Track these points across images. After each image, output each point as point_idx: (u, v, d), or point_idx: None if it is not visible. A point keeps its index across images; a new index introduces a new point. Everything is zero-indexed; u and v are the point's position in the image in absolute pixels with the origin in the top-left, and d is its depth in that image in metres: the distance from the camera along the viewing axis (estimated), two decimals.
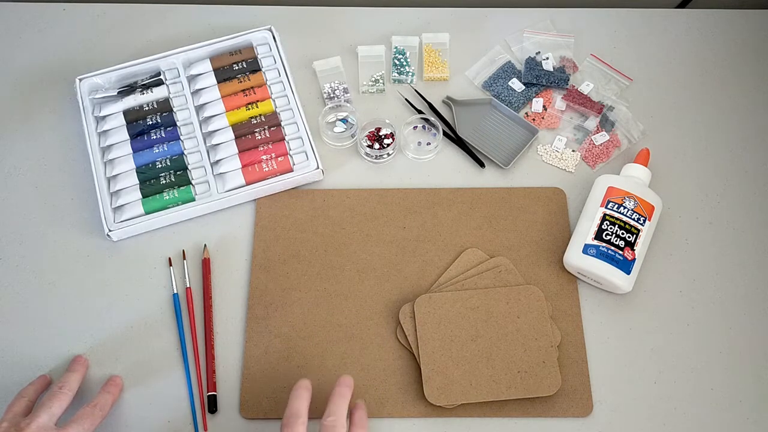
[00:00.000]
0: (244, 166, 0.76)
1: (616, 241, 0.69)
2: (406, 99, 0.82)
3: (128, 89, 0.80)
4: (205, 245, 0.74)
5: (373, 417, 0.66)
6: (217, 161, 0.77)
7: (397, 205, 0.76)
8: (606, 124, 0.81)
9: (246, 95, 0.80)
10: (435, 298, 0.69)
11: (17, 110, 0.82)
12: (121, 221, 0.74)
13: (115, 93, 0.80)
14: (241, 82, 0.80)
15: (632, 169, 0.74)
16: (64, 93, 0.82)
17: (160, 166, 0.76)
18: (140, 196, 0.75)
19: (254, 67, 0.82)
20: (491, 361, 0.66)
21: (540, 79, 0.82)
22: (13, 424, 0.59)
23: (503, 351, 0.66)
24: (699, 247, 0.75)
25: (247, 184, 0.75)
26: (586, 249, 0.69)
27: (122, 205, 0.74)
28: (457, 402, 0.65)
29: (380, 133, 0.78)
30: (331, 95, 0.81)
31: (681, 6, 0.93)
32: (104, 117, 0.79)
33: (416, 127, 0.81)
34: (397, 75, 0.83)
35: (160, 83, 0.81)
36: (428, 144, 0.79)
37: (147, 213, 0.74)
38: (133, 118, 0.79)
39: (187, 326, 0.70)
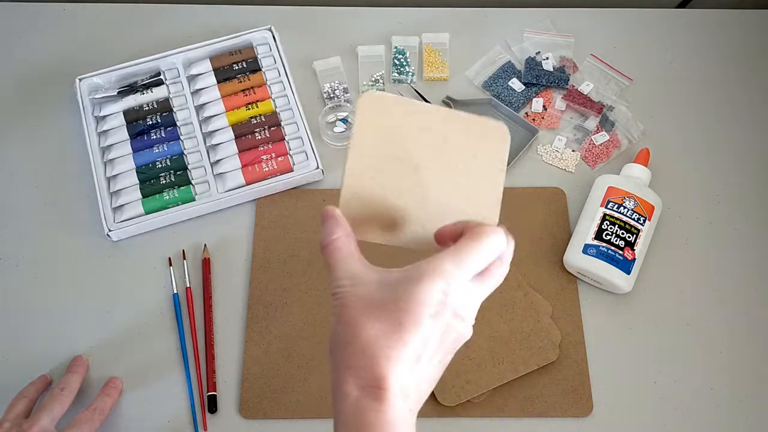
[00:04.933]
0: (244, 166, 0.76)
1: (616, 241, 0.69)
2: None
3: (128, 89, 0.80)
4: (205, 245, 0.74)
5: None
6: (217, 161, 0.77)
7: None
8: (606, 124, 0.81)
9: (246, 95, 0.80)
10: (387, 100, 0.51)
11: (17, 110, 0.82)
12: (121, 221, 0.74)
13: (115, 93, 0.80)
14: (241, 82, 0.80)
15: (632, 169, 0.74)
16: (64, 93, 0.82)
17: (160, 166, 0.76)
18: (140, 196, 0.74)
19: (254, 67, 0.82)
20: (425, 201, 0.51)
21: (540, 79, 0.82)
22: (15, 425, 0.59)
23: (442, 194, 0.51)
24: (699, 247, 0.75)
25: (247, 184, 0.75)
26: (586, 249, 0.69)
27: (122, 205, 0.74)
28: (460, 399, 0.64)
29: None
30: (331, 95, 0.81)
31: (681, 6, 0.93)
32: (104, 117, 0.79)
33: None
34: (397, 75, 0.83)
35: (160, 83, 0.81)
36: None
37: (147, 213, 0.74)
38: (133, 118, 0.79)
39: (187, 326, 0.70)
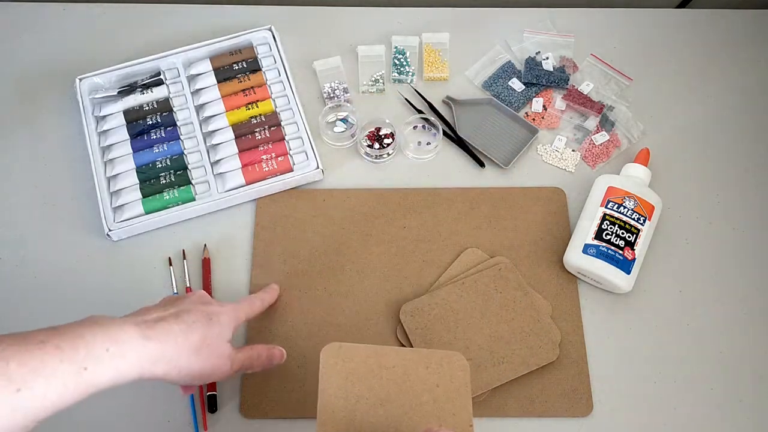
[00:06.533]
0: (244, 166, 0.76)
1: (616, 240, 0.69)
2: (406, 99, 0.82)
3: (128, 89, 0.80)
4: (205, 245, 0.74)
5: None
6: (217, 161, 0.77)
7: (397, 205, 0.76)
8: (606, 123, 0.81)
9: (246, 95, 0.80)
10: (345, 348, 0.58)
11: (17, 110, 0.82)
12: (121, 221, 0.74)
13: (115, 93, 0.80)
14: (241, 81, 0.80)
15: (632, 168, 0.74)
16: (64, 93, 0.82)
17: (160, 165, 0.76)
18: (140, 196, 0.75)
19: (254, 66, 0.82)
20: None
21: (540, 79, 0.82)
22: (205, 302, 0.60)
23: (414, 424, 0.55)
24: (699, 247, 0.75)
25: (247, 183, 0.75)
26: (586, 249, 0.69)
27: (122, 205, 0.74)
28: None
29: (380, 133, 0.78)
30: (331, 95, 0.81)
31: (681, 6, 0.93)
32: (104, 117, 0.79)
33: (416, 126, 0.81)
34: (397, 75, 0.83)
35: (160, 83, 0.81)
36: (428, 144, 0.79)
37: (147, 213, 0.74)
38: (133, 117, 0.79)
39: None
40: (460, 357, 0.58)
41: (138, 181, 0.75)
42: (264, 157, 0.76)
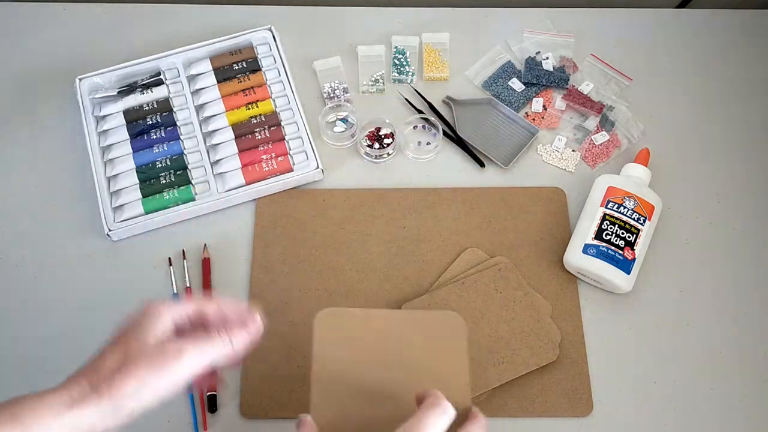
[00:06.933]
0: (244, 166, 0.76)
1: (616, 240, 0.69)
2: (406, 99, 0.82)
3: (128, 89, 0.80)
4: (205, 245, 0.74)
5: None
6: (217, 161, 0.77)
7: (397, 205, 0.76)
8: (606, 123, 0.81)
9: (246, 95, 0.80)
10: (338, 314, 0.57)
11: (17, 110, 0.82)
12: (121, 221, 0.74)
13: (115, 93, 0.80)
14: (241, 81, 0.80)
15: (632, 168, 0.74)
16: (64, 93, 0.82)
17: (160, 165, 0.76)
18: (140, 196, 0.75)
19: (254, 66, 0.82)
20: (391, 398, 0.53)
21: (540, 78, 0.82)
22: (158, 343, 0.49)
23: (410, 386, 0.52)
24: (699, 247, 0.75)
25: (247, 183, 0.75)
26: (586, 249, 0.69)
27: (122, 205, 0.74)
28: None
29: (380, 133, 0.78)
30: (331, 95, 0.81)
31: (681, 6, 0.93)
32: (104, 117, 0.79)
33: (416, 126, 0.81)
34: (397, 75, 0.83)
35: (160, 83, 0.81)
36: (428, 144, 0.79)
37: (147, 213, 0.74)
38: (133, 117, 0.79)
39: None
40: (456, 316, 0.56)
41: (138, 181, 0.75)
42: (264, 157, 0.76)
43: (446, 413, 0.46)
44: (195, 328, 0.52)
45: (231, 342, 0.51)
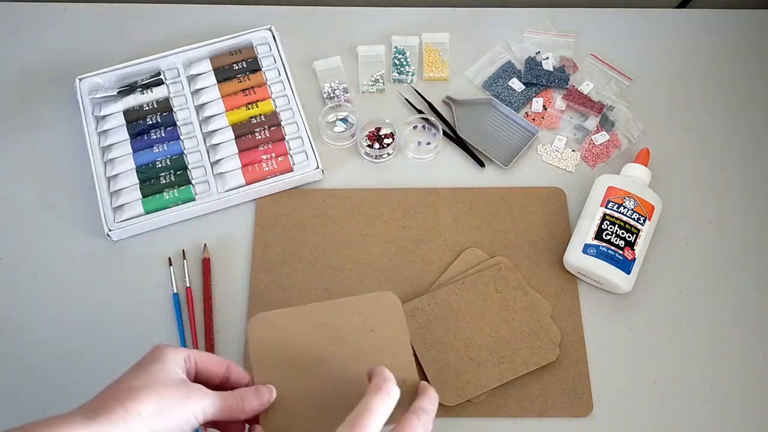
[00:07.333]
0: (244, 166, 0.76)
1: (616, 240, 0.69)
2: (406, 99, 0.82)
3: (128, 89, 0.80)
4: (205, 245, 0.74)
5: None
6: (217, 161, 0.77)
7: (397, 205, 0.76)
8: (606, 123, 0.81)
9: (246, 95, 0.80)
10: (269, 318, 0.56)
11: (17, 110, 0.82)
12: (121, 221, 0.74)
13: (115, 93, 0.80)
14: (241, 81, 0.80)
15: (632, 168, 0.74)
16: (64, 93, 0.82)
17: (160, 165, 0.76)
18: (140, 196, 0.75)
19: (254, 66, 0.82)
20: (339, 388, 0.53)
21: (540, 78, 0.82)
22: None
23: (355, 374, 0.53)
24: (699, 247, 0.75)
25: (247, 183, 0.75)
26: (586, 249, 0.69)
27: (122, 205, 0.74)
28: None
29: (380, 133, 0.78)
30: (331, 95, 0.81)
31: (681, 6, 0.93)
32: (104, 117, 0.79)
33: (416, 126, 0.81)
34: (397, 75, 0.83)
35: (160, 83, 0.81)
36: (428, 144, 0.79)
37: (147, 213, 0.74)
38: (133, 117, 0.79)
39: (187, 326, 0.70)
40: (391, 296, 0.57)
41: (138, 181, 0.75)
42: (264, 157, 0.76)
43: (390, 395, 0.47)
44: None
45: (243, 402, 0.51)
